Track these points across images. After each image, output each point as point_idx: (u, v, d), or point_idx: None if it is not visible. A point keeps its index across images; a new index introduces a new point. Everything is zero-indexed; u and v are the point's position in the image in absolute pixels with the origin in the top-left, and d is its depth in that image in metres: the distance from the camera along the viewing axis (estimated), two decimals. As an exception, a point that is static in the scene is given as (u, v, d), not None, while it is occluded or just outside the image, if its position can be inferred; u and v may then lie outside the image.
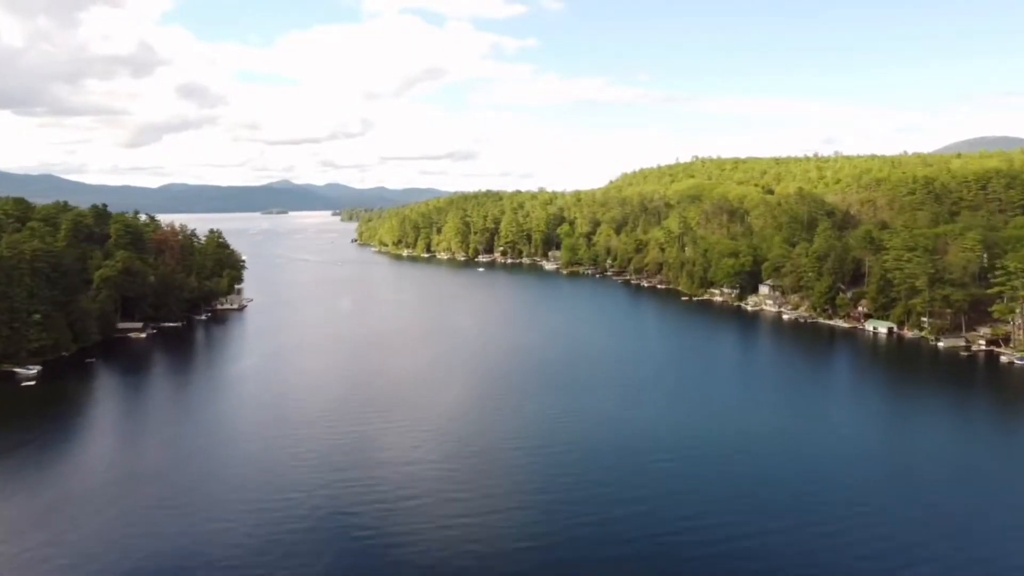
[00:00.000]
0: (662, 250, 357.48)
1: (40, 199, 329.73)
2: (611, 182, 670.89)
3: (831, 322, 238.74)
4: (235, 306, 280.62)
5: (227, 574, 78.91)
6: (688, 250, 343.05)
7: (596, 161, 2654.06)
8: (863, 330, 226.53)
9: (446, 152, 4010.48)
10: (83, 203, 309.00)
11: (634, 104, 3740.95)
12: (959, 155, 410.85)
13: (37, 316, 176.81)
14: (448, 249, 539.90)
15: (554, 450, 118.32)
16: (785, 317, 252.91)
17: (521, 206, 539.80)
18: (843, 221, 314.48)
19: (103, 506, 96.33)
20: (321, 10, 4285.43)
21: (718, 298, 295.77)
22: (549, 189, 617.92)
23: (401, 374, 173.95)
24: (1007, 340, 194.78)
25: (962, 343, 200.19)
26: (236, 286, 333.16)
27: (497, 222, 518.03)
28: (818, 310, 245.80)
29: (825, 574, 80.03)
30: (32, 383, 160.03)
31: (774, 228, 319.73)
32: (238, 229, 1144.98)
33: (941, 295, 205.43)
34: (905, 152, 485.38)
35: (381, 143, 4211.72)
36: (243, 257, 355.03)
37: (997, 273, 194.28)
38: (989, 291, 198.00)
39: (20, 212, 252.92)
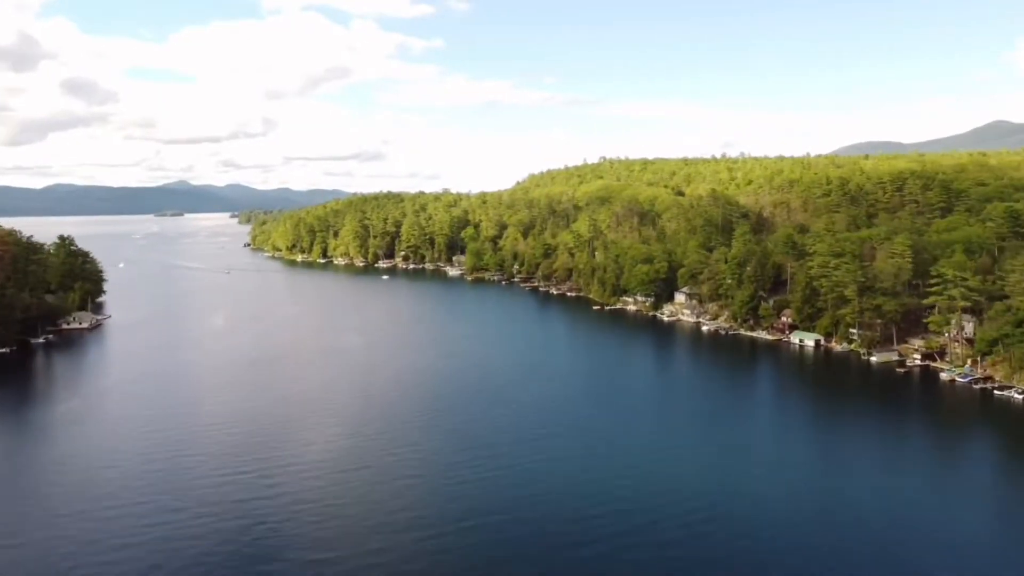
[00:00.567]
0: (571, 255, 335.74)
1: None
2: (518, 183, 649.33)
3: (753, 334, 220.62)
4: (85, 325, 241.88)
5: None
6: (599, 255, 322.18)
7: (503, 163, 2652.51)
8: (788, 343, 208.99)
9: (352, 153, 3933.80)
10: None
11: (541, 107, 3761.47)
12: (866, 156, 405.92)
13: None
14: (346, 254, 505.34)
15: (425, 518, 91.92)
16: (704, 328, 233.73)
17: (424, 208, 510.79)
18: (757, 224, 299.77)
19: None
20: (218, 5, 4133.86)
21: (631, 307, 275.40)
22: (455, 191, 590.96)
23: (268, 414, 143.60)
24: (942, 353, 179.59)
25: (895, 357, 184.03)
26: (96, 300, 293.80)
27: (398, 225, 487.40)
28: (739, 321, 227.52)
29: None
30: None
31: (688, 231, 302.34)
32: (123, 232, 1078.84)
33: (872, 305, 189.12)
34: (808, 154, 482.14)
35: (285, 143, 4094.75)
36: (102, 267, 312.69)
37: (932, 281, 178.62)
38: (925, 301, 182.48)
39: None
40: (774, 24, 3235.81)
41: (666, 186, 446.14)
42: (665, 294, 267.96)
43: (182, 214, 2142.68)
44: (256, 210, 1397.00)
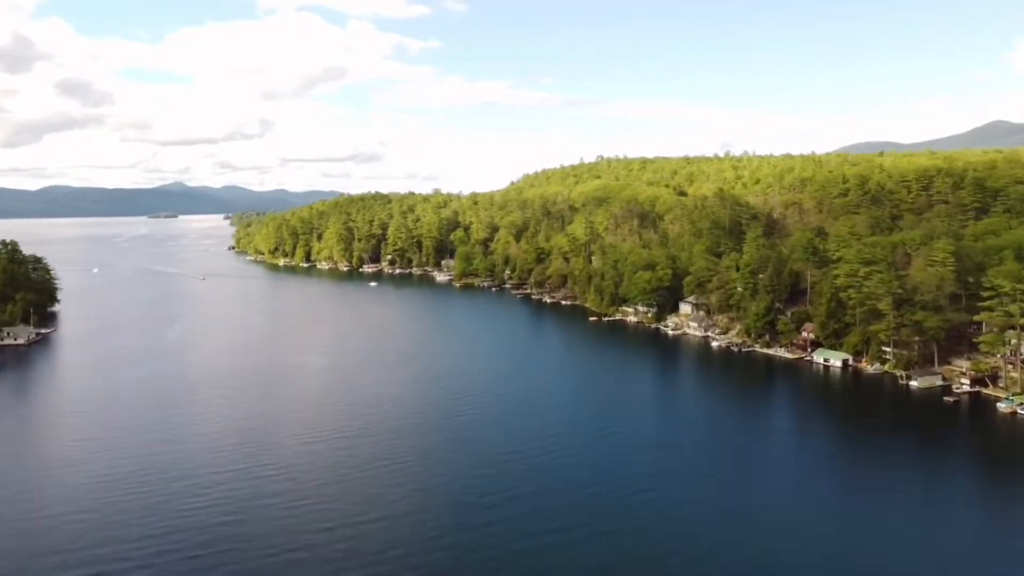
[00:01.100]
0: (566, 260, 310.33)
1: None
2: (512, 183, 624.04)
3: (770, 351, 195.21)
4: (21, 341, 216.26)
5: None
6: (596, 261, 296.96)
7: (502, 164, 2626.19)
8: (811, 362, 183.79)
9: (349, 154, 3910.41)
10: None
11: (538, 107, 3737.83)
12: (881, 153, 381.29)
13: None
14: (329, 258, 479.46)
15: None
16: (714, 344, 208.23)
17: (412, 209, 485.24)
18: (767, 226, 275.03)
19: None
20: (213, 5, 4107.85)
21: (632, 318, 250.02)
22: (455, 192, 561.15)
23: (190, 459, 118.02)
24: (994, 378, 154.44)
25: (939, 382, 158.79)
26: (48, 310, 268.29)
27: (384, 227, 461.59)
28: (753, 336, 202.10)
29: None
30: None
31: (693, 235, 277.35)
32: (110, 235, 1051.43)
33: (911, 321, 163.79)
34: (814, 152, 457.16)
35: (281, 144, 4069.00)
36: (54, 274, 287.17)
37: (986, 294, 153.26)
38: (977, 317, 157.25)
39: None
40: (772, 24, 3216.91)
41: (667, 186, 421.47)
42: (669, 304, 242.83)
43: (176, 216, 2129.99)
44: (248, 212, 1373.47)
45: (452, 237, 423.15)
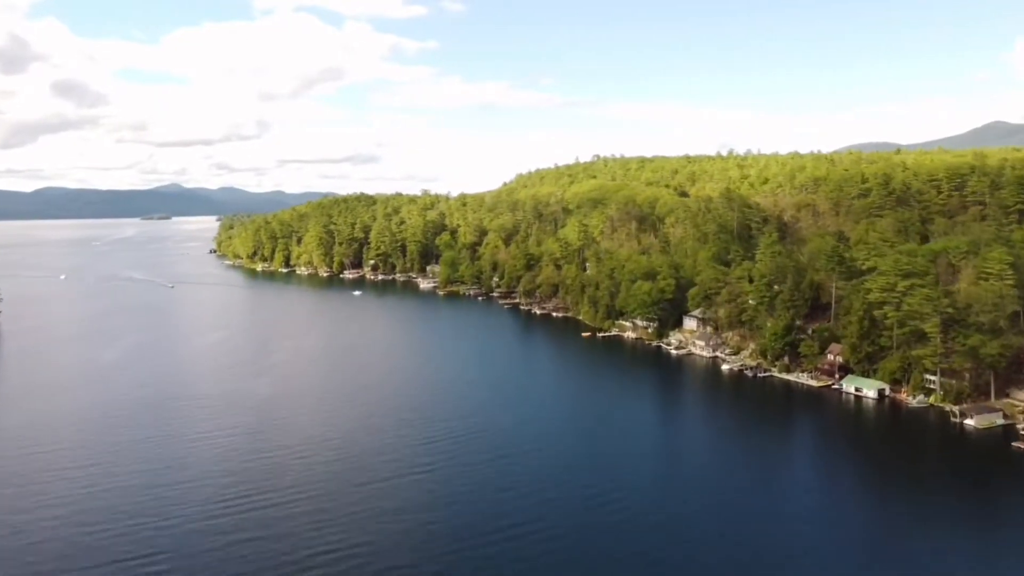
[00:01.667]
0: (557, 267, 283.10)
1: None
2: (505, 184, 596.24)
3: (790, 377, 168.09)
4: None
5: None
6: (590, 268, 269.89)
7: (501, 165, 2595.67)
8: (840, 391, 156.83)
9: (347, 155, 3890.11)
10: None
11: (537, 108, 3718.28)
12: (898, 150, 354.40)
13: None
14: (309, 263, 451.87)
15: None
16: (725, 368, 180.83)
17: (396, 211, 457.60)
18: (777, 231, 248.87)
19: None
20: (210, 6, 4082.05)
21: (629, 333, 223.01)
22: (437, 192, 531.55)
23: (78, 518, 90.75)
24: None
25: (1000, 420, 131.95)
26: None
27: (367, 230, 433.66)
28: (770, 358, 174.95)
29: None
30: None
31: (697, 239, 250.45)
32: (92, 237, 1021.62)
33: (964, 345, 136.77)
34: (820, 151, 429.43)
35: (278, 146, 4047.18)
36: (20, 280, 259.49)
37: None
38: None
39: None
40: (771, 25, 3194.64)
41: (667, 186, 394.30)
42: (671, 318, 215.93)
43: (169, 217, 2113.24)
44: (239, 214, 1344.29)
45: (437, 241, 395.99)
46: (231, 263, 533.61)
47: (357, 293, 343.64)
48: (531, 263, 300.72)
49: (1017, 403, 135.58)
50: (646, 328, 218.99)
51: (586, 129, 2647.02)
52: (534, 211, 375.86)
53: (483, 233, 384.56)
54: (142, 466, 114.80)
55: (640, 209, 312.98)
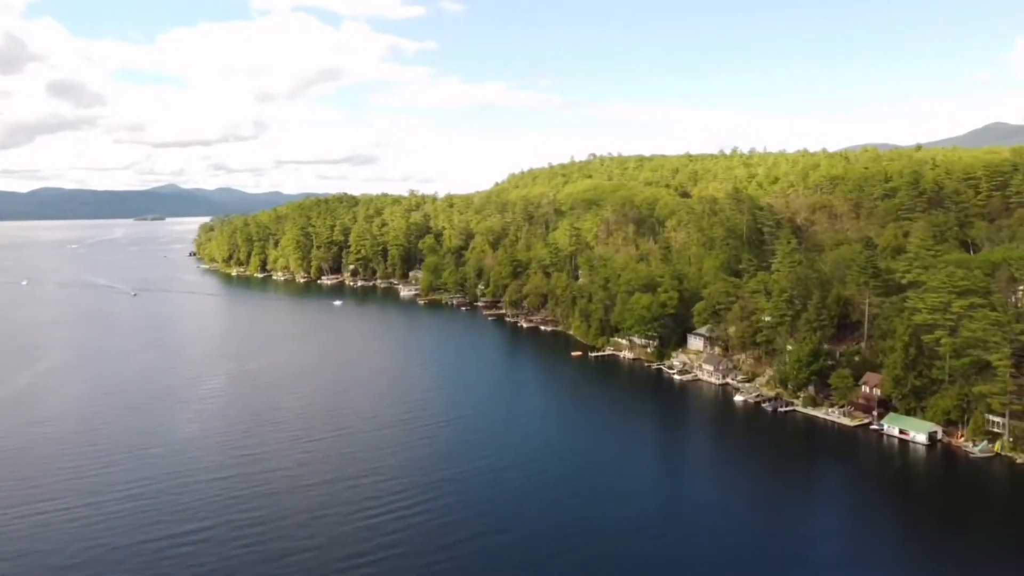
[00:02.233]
0: (547, 275, 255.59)
1: None
2: (497, 184, 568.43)
3: (818, 413, 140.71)
4: None
5: None
6: (583, 277, 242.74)
7: (499, 166, 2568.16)
8: (879, 432, 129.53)
9: (345, 156, 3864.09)
10: None
11: (537, 109, 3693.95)
12: (919, 147, 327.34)
13: None
14: (286, 267, 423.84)
15: None
16: (737, 399, 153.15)
17: (379, 212, 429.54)
18: (791, 235, 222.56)
19: None
20: (206, 6, 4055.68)
21: (626, 353, 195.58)
22: (432, 193, 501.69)
23: None
24: None
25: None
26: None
27: (348, 233, 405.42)
28: (792, 388, 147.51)
29: None
30: None
31: (702, 245, 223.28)
32: (75, 239, 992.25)
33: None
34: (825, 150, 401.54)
35: (276, 146, 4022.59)
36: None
37: None
38: None
39: None
40: (770, 25, 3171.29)
41: (667, 186, 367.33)
42: (674, 336, 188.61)
43: (163, 218, 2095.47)
44: (234, 215, 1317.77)
45: (421, 245, 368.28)
46: (207, 267, 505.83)
47: (338, 303, 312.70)
48: (518, 270, 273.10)
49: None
50: (645, 347, 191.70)
51: (585, 130, 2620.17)
52: (524, 213, 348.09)
53: (470, 236, 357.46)
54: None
55: (638, 211, 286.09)
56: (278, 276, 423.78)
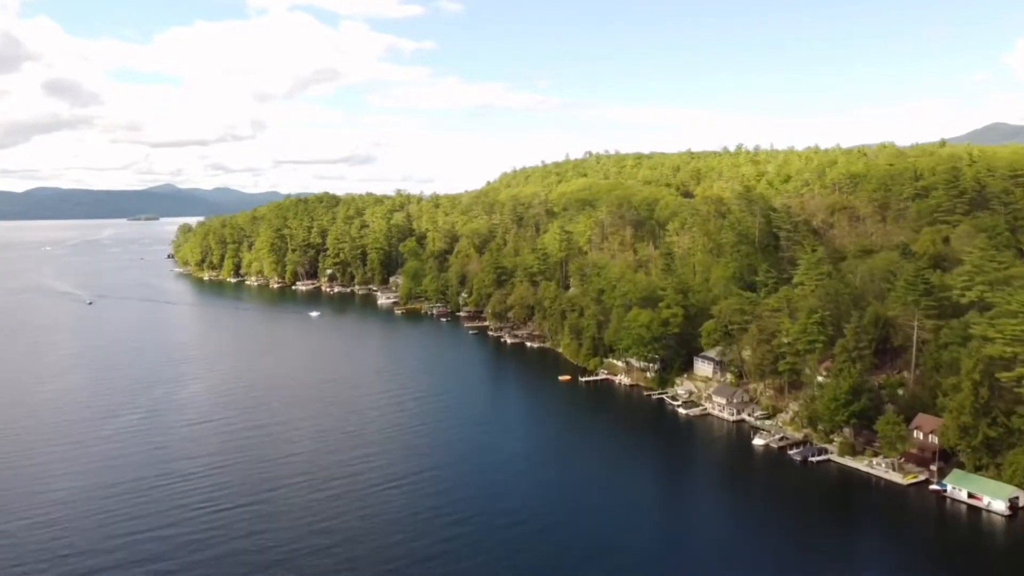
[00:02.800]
0: (534, 284, 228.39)
1: None
2: (489, 183, 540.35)
3: (859, 464, 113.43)
4: None
5: None
6: (574, 287, 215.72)
7: (497, 167, 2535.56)
8: (941, 494, 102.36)
9: (343, 156, 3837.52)
10: None
11: (535, 109, 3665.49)
12: (943, 143, 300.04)
13: None
14: (260, 272, 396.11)
15: None
16: (757, 443, 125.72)
17: (359, 213, 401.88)
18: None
19: None
20: (203, 5, 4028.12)
21: (622, 377, 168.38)
22: (417, 192, 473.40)
23: None
24: None
25: None
26: None
27: (326, 235, 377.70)
28: (824, 430, 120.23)
29: None
30: None
31: (709, 251, 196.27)
32: (52, 240, 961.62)
33: None
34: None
35: (274, 146, 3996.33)
36: None
37: None
38: None
39: None
40: (770, 27, 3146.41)
41: (668, 184, 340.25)
42: (678, 359, 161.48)
43: (157, 218, 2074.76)
44: (222, 215, 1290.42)
45: (402, 248, 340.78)
46: (181, 270, 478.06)
47: (314, 314, 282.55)
48: (502, 278, 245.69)
49: None
50: (644, 371, 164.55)
51: (584, 130, 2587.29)
52: (513, 214, 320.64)
53: (455, 239, 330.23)
54: None
55: (636, 212, 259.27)
56: (251, 281, 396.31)
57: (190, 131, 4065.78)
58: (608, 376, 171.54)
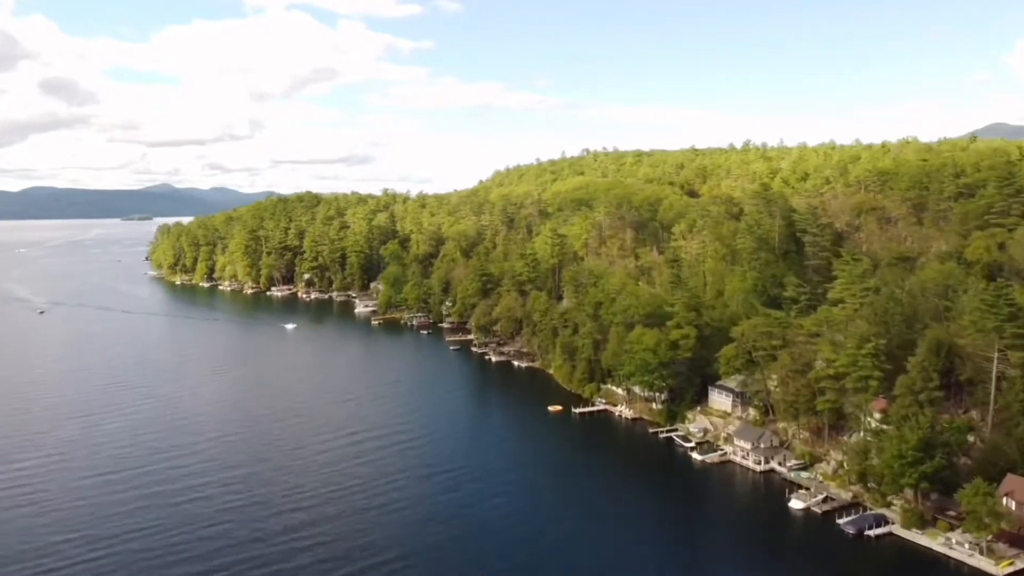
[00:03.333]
0: (522, 294, 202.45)
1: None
2: (481, 182, 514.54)
3: (931, 543, 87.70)
4: None
5: None
6: (568, 298, 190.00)
7: (495, 167, 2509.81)
8: (1051, 593, 76.66)
9: (341, 156, 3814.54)
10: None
11: (534, 109, 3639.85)
12: (974, 138, 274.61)
13: None
14: (234, 276, 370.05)
15: None
16: (795, 505, 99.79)
17: (340, 214, 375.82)
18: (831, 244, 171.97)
19: None
20: (200, 3, 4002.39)
21: (622, 408, 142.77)
22: (404, 192, 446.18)
23: None
24: None
25: None
26: None
27: (304, 236, 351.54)
28: (884, 493, 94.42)
29: None
30: None
31: (722, 258, 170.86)
32: (30, 241, 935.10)
33: None
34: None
35: (272, 146, 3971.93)
36: None
37: None
38: None
39: None
40: (770, 27, 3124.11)
41: (671, 183, 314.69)
42: (691, 390, 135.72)
43: (151, 218, 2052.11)
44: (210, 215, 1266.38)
45: (383, 251, 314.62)
46: (154, 274, 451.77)
47: (290, 327, 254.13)
48: (488, 286, 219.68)
49: None
50: (649, 402, 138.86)
51: (584, 130, 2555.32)
52: (503, 215, 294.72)
53: (440, 242, 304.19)
54: None
55: (637, 213, 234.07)
56: (225, 286, 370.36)
57: (187, 131, 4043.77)
58: (606, 406, 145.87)
